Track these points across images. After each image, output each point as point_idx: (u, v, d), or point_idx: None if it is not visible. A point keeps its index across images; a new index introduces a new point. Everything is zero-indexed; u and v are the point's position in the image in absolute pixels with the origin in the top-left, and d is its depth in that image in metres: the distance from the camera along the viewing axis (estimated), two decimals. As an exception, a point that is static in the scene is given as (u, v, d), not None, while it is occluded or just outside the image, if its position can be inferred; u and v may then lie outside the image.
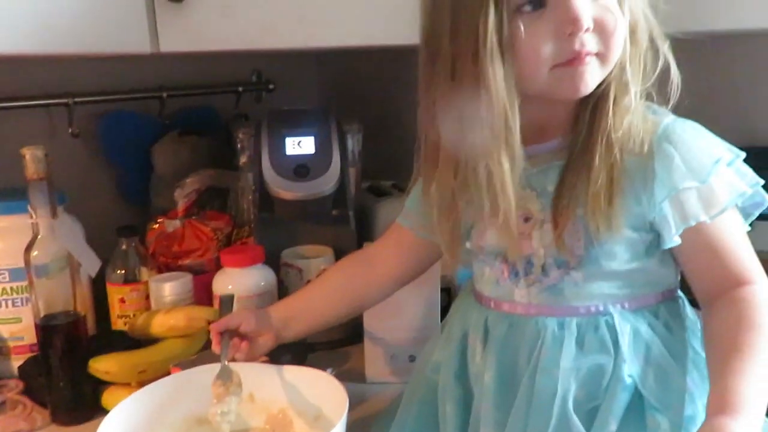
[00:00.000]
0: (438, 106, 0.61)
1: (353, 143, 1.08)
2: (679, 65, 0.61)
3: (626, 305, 0.62)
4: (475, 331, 0.68)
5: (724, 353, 0.56)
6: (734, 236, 0.60)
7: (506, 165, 0.59)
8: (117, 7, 0.77)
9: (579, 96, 0.59)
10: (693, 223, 0.58)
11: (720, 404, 0.52)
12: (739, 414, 0.51)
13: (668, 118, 0.62)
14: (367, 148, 1.11)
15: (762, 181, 0.60)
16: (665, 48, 0.61)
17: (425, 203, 0.68)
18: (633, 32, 0.60)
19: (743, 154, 0.60)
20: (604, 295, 0.62)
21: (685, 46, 0.61)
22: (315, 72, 1.46)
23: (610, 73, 0.60)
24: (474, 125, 0.58)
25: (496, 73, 0.56)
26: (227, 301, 0.83)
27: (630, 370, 0.60)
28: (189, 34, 0.80)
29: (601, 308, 0.62)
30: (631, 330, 0.61)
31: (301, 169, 0.97)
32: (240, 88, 1.30)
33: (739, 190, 0.59)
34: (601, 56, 0.58)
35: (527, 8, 0.56)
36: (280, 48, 0.88)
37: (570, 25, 0.56)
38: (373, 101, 1.30)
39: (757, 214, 0.62)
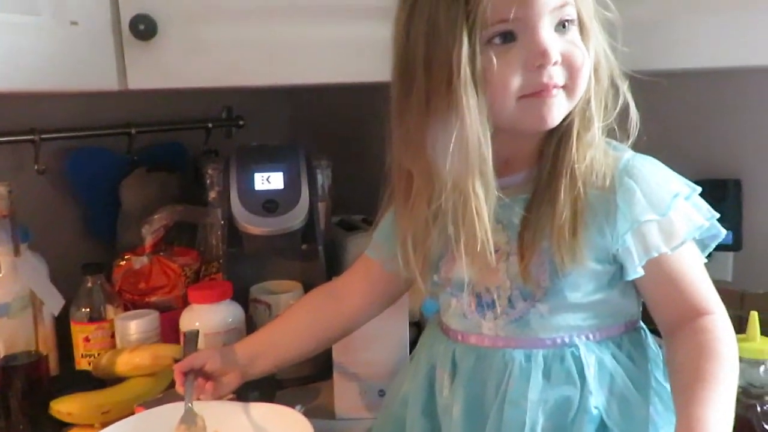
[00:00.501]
0: (412, 137, 0.62)
1: (323, 178, 1.09)
2: (637, 103, 0.63)
3: (591, 336, 0.63)
4: (442, 365, 0.68)
5: (688, 383, 0.57)
6: (693, 268, 0.62)
7: (481, 194, 0.60)
8: (85, 44, 0.77)
9: (545, 127, 0.61)
10: (655, 255, 0.60)
11: (686, 434, 0.52)
12: None
13: (628, 154, 0.64)
14: (337, 182, 1.12)
15: (717, 215, 0.62)
16: (624, 87, 0.63)
17: (395, 235, 0.68)
18: (595, 71, 0.62)
19: (699, 189, 0.62)
20: (570, 327, 0.63)
21: (643, 85, 0.63)
22: (285, 108, 1.47)
23: (575, 108, 0.61)
24: (448, 155, 0.59)
25: (470, 103, 0.57)
26: (192, 338, 0.82)
27: (596, 401, 0.61)
28: (157, 72, 0.81)
29: (567, 340, 0.63)
30: (596, 361, 0.62)
31: (270, 204, 0.97)
32: (210, 125, 1.29)
33: (697, 223, 0.61)
34: (568, 89, 0.60)
35: (497, 41, 0.58)
36: (249, 85, 0.88)
37: (539, 57, 0.57)
38: (343, 136, 1.31)
39: (713, 246, 0.64)
